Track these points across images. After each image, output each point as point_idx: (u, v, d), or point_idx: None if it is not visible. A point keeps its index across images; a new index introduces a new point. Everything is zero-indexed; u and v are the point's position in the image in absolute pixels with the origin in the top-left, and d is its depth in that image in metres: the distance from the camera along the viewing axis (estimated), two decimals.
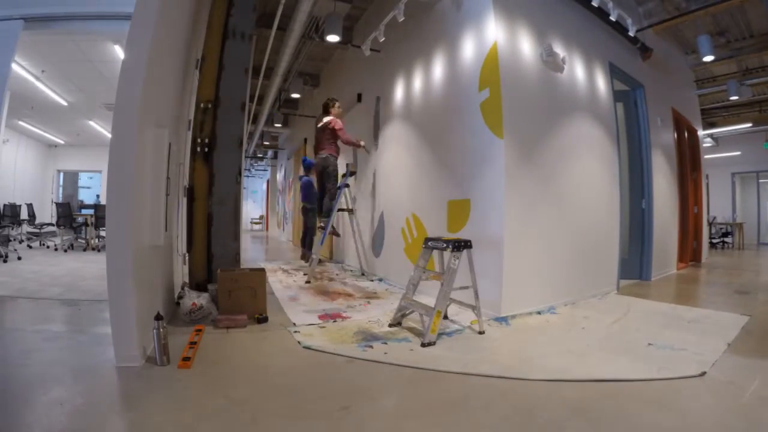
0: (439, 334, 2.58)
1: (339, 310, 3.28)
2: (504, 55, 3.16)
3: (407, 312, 2.89)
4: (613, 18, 3.90)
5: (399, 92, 4.69)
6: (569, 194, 3.59)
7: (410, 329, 2.75)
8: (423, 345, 2.42)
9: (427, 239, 2.93)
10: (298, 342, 2.46)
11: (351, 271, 5.47)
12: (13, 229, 7.66)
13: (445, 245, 2.75)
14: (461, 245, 2.70)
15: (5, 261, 5.42)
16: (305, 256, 6.22)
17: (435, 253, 3.02)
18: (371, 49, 4.74)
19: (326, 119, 4.98)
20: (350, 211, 5.55)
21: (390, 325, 2.85)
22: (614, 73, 4.31)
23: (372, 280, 4.75)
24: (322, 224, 5.28)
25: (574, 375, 1.98)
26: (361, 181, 5.76)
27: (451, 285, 2.62)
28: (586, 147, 3.83)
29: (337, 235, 5.86)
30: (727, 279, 5.02)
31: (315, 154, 5.20)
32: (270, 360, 2.22)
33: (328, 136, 4.98)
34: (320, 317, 3.07)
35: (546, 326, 2.86)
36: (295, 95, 8.57)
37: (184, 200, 3.29)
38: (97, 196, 12.47)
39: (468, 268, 2.77)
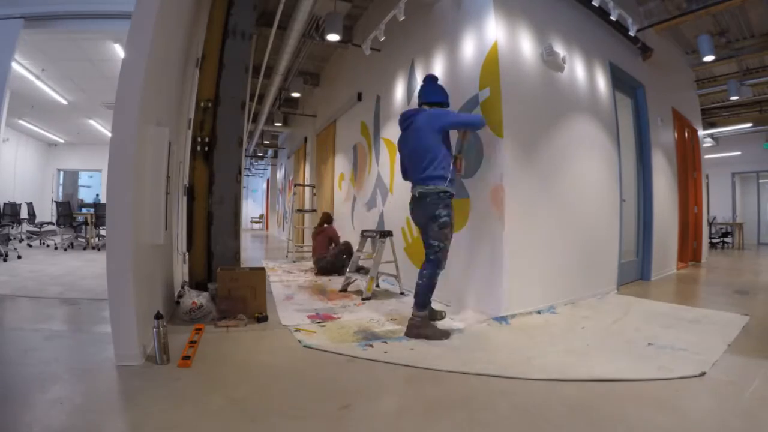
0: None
1: (332, 311, 3.26)
2: (504, 55, 3.15)
3: (352, 281, 4.07)
4: (613, 18, 3.89)
5: (399, 91, 4.68)
6: (569, 193, 3.58)
7: None
8: (363, 299, 3.56)
9: (363, 231, 4.09)
10: (299, 341, 2.46)
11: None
12: (13, 227, 7.66)
13: (375, 234, 4.03)
14: (385, 234, 3.92)
15: (5, 260, 5.42)
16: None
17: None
18: (371, 48, 4.73)
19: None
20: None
21: (339, 291, 3.96)
22: (614, 72, 4.30)
23: None
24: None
25: (574, 375, 1.98)
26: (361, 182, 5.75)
27: (379, 259, 3.79)
28: (587, 146, 3.82)
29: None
30: (727, 279, 5.02)
31: None
32: (270, 359, 2.22)
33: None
34: (309, 317, 3.03)
35: (546, 326, 2.86)
36: (296, 94, 8.58)
37: (184, 199, 3.29)
38: (97, 195, 12.46)
39: (391, 250, 3.97)
